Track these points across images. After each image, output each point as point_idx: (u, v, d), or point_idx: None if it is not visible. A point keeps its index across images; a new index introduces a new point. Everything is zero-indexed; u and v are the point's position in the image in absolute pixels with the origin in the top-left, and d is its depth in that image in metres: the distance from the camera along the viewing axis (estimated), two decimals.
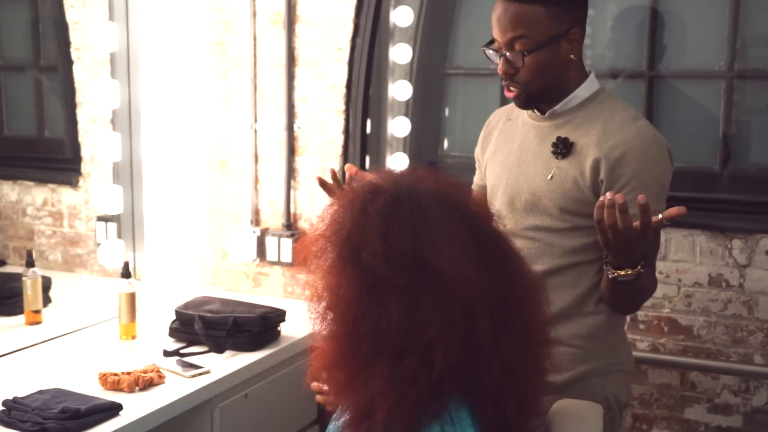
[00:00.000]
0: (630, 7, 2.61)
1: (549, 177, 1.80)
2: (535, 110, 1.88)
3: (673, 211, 1.49)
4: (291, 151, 2.87)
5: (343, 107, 2.80)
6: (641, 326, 2.51)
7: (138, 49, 2.66)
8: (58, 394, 1.92)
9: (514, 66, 1.78)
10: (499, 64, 1.80)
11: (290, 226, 2.88)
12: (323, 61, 2.79)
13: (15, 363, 2.24)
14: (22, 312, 2.45)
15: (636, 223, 1.51)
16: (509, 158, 1.90)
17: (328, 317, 1.24)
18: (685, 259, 2.45)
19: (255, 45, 2.87)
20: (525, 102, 1.84)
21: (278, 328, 2.46)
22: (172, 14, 2.80)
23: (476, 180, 2.07)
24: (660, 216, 1.51)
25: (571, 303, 1.79)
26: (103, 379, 2.02)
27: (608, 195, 1.53)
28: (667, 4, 2.52)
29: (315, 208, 2.81)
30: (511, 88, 1.82)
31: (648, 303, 2.48)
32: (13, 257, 2.79)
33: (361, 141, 2.82)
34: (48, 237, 2.82)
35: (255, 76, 2.88)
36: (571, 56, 1.80)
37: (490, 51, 1.82)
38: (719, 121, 2.49)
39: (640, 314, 2.51)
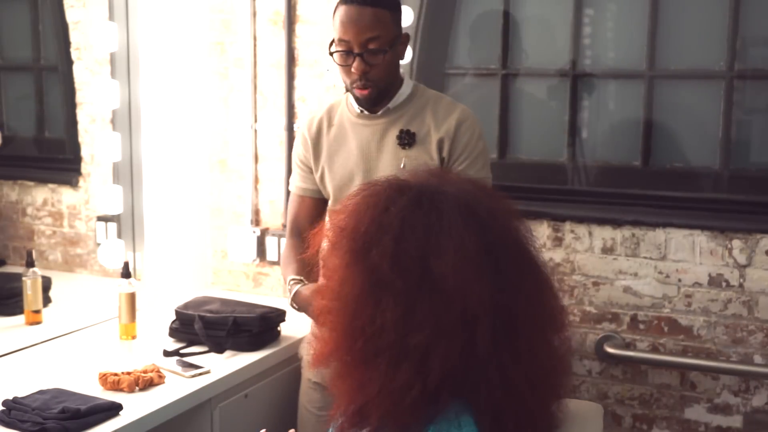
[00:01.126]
0: (630, 6, 2.61)
1: (401, 166, 2.00)
2: (363, 111, 2.08)
3: None
4: (291, 151, 2.86)
5: None
6: (641, 326, 2.51)
7: (138, 49, 2.66)
8: (58, 394, 1.92)
9: (370, 64, 1.97)
10: (351, 65, 1.98)
11: None
12: (323, 61, 2.79)
13: (15, 363, 2.24)
14: (22, 312, 2.45)
15: None
16: (350, 158, 2.09)
17: (333, 308, 1.24)
18: (685, 259, 2.45)
19: (255, 45, 2.87)
20: (374, 100, 2.05)
21: (278, 328, 2.46)
22: (172, 14, 2.80)
23: (302, 185, 2.22)
24: None
25: None
26: (103, 379, 2.02)
27: None
28: (667, 4, 2.52)
29: None
30: (366, 86, 2.00)
31: (648, 303, 2.49)
32: (13, 257, 2.79)
33: None
34: (48, 237, 2.81)
35: (255, 76, 2.89)
36: (401, 58, 2.09)
37: (338, 52, 1.99)
38: (719, 121, 2.49)
39: (640, 314, 2.50)
